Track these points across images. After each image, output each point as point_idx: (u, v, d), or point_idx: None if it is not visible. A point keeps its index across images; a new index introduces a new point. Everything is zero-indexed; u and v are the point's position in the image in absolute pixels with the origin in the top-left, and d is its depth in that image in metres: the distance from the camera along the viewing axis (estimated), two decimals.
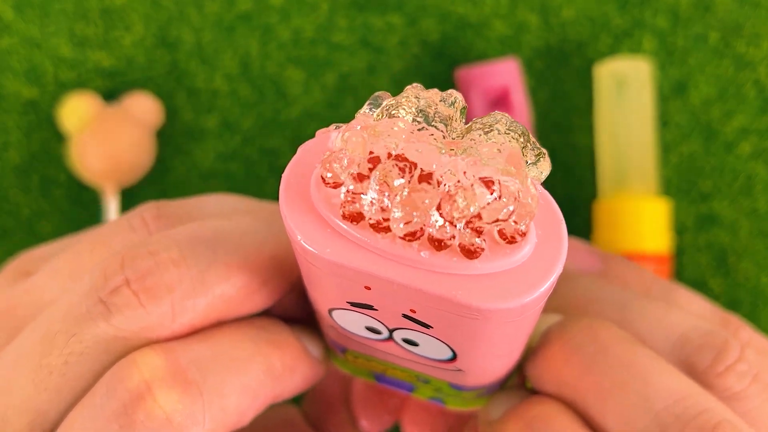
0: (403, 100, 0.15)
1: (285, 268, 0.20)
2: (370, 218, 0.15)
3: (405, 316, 0.16)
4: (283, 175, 0.16)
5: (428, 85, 0.37)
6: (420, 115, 0.15)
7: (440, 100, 0.16)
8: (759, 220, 0.35)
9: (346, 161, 0.15)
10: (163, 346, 0.18)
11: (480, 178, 0.14)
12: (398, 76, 0.36)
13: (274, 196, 0.36)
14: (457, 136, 0.15)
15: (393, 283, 0.15)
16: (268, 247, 0.20)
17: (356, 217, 0.15)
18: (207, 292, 0.19)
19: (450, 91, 0.16)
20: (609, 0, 0.36)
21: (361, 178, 0.15)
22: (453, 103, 0.16)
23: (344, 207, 0.15)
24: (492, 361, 0.19)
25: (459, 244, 0.15)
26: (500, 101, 0.34)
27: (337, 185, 0.15)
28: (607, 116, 0.34)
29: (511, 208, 0.14)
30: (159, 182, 0.36)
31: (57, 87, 0.36)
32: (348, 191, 0.15)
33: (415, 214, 0.14)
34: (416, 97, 0.15)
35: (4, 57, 0.36)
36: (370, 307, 0.17)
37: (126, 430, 0.17)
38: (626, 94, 0.34)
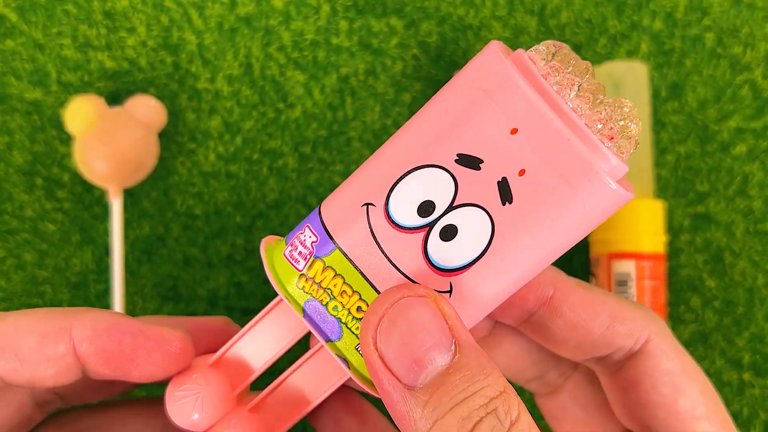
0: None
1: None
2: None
3: (500, 183, 0.19)
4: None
5: (428, 87, 0.38)
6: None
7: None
8: (755, 219, 0.35)
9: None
10: None
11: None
12: (398, 77, 0.36)
13: (275, 196, 0.37)
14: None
15: (551, 122, 0.19)
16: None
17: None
18: None
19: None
20: (606, 3, 0.36)
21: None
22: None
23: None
24: (509, 273, 0.20)
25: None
26: None
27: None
28: None
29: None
30: (162, 183, 0.36)
31: (61, 89, 0.36)
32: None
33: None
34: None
35: (9, 59, 0.36)
36: (477, 163, 0.19)
37: None
38: (623, 96, 0.34)
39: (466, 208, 0.19)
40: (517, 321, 0.25)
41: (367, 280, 0.20)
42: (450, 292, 0.20)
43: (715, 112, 0.36)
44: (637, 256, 0.33)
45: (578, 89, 0.19)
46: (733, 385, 0.35)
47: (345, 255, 0.21)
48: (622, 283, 0.33)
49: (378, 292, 0.21)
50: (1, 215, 0.35)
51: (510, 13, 0.36)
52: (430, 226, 0.20)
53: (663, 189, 0.36)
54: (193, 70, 0.36)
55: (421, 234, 0.20)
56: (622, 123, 0.20)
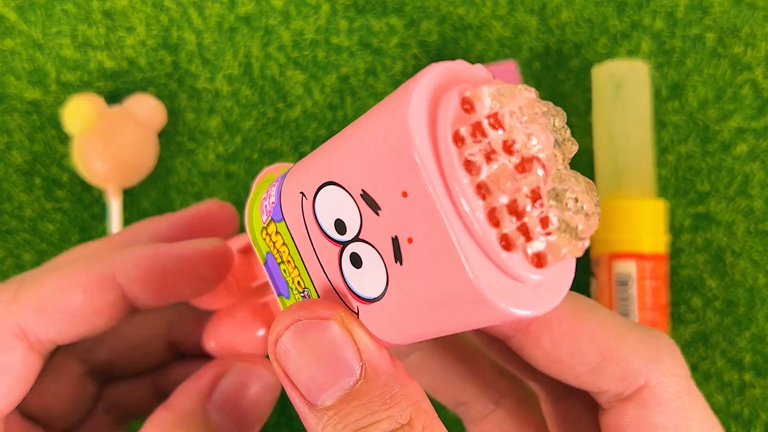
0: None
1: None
2: (477, 168, 0.16)
3: (393, 240, 0.17)
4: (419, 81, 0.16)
5: None
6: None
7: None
8: (755, 219, 0.35)
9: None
10: None
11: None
12: (398, 77, 0.36)
13: None
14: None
15: (437, 211, 0.16)
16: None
17: (461, 141, 0.16)
18: None
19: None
20: (607, 2, 0.36)
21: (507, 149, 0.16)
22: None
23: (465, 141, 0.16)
24: (405, 329, 0.18)
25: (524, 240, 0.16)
26: None
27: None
28: (604, 118, 0.34)
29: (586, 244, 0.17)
30: (161, 183, 0.36)
31: (60, 88, 0.36)
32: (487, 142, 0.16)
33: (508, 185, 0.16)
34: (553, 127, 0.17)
35: (8, 58, 0.36)
36: (376, 209, 0.17)
37: None
38: (624, 96, 0.34)
39: (368, 246, 0.18)
40: (490, 340, 0.23)
41: (303, 262, 0.20)
42: (357, 314, 0.19)
43: (716, 111, 0.36)
44: (638, 256, 0.33)
45: (509, 162, 0.16)
46: (734, 385, 0.35)
47: (288, 229, 0.20)
48: (623, 283, 0.33)
49: (310, 278, 0.20)
50: (0, 215, 0.35)
51: (510, 12, 0.36)
52: (343, 245, 0.18)
53: (663, 189, 0.36)
54: (193, 70, 0.36)
55: (338, 248, 0.18)
56: (563, 213, 0.16)
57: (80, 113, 0.34)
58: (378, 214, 0.17)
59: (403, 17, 0.36)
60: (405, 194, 0.16)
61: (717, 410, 0.35)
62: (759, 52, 0.36)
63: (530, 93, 0.16)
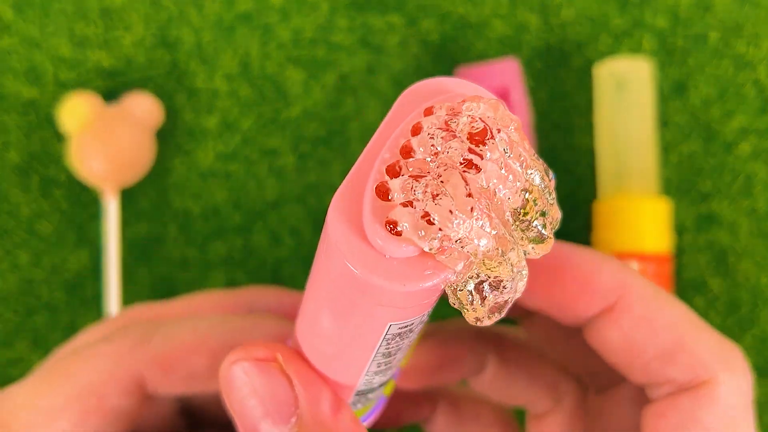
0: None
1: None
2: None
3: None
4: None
5: None
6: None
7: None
8: (759, 220, 0.35)
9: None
10: None
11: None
12: (398, 76, 0.36)
13: (274, 196, 0.36)
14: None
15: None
16: None
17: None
18: None
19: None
20: (609, 0, 0.36)
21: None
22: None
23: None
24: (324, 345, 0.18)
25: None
26: (500, 101, 0.34)
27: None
28: (606, 116, 0.34)
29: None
30: (159, 182, 0.36)
31: (57, 87, 0.35)
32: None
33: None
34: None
35: (4, 57, 0.35)
36: None
37: None
38: (626, 94, 0.34)
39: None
40: (570, 324, 0.22)
41: None
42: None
43: (719, 110, 0.36)
44: (640, 257, 0.32)
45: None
46: None
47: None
48: None
49: None
50: None
51: (511, 10, 0.36)
52: None
53: (666, 188, 0.35)
54: (191, 68, 0.36)
55: None
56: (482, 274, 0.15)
57: (77, 112, 0.34)
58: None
59: (403, 15, 0.36)
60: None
61: None
62: (762, 50, 0.36)
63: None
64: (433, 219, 0.14)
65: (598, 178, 0.35)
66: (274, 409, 0.18)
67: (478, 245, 0.14)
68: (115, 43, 0.36)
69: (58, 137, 0.35)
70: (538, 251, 0.16)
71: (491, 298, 0.15)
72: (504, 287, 0.15)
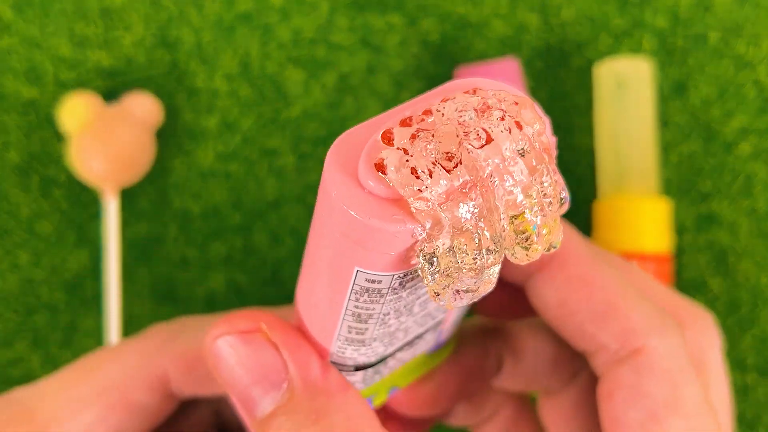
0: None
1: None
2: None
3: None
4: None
5: (428, 85, 0.37)
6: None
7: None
8: (759, 220, 0.35)
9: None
10: None
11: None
12: (398, 76, 0.36)
13: (274, 196, 0.36)
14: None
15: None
16: None
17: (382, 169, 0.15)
18: None
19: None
20: (609, 0, 0.36)
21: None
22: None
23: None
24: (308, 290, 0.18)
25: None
26: None
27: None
28: (607, 116, 0.34)
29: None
30: (159, 182, 0.35)
31: (57, 87, 0.35)
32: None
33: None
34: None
35: (4, 57, 0.35)
36: None
37: None
38: (626, 94, 0.34)
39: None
40: (516, 282, 0.22)
41: None
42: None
43: (719, 110, 0.36)
44: (640, 257, 0.32)
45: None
46: (737, 386, 0.35)
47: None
48: None
49: None
50: None
51: (511, 10, 0.36)
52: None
53: (666, 188, 0.35)
54: (191, 68, 0.36)
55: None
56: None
57: (77, 112, 0.34)
58: None
59: (403, 15, 0.36)
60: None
61: None
62: (762, 50, 0.36)
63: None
64: (415, 167, 0.15)
65: (598, 178, 0.35)
66: (264, 377, 0.18)
67: (452, 212, 0.15)
68: (115, 43, 0.36)
69: (58, 137, 0.35)
70: (519, 256, 0.16)
71: (452, 279, 0.15)
72: (468, 273, 0.15)
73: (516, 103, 0.15)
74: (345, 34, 0.36)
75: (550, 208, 0.15)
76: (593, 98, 0.35)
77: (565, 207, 0.16)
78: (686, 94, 0.36)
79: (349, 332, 0.18)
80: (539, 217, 0.15)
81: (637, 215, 0.33)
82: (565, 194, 0.16)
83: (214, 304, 0.35)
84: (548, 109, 0.36)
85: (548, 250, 0.16)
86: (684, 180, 0.35)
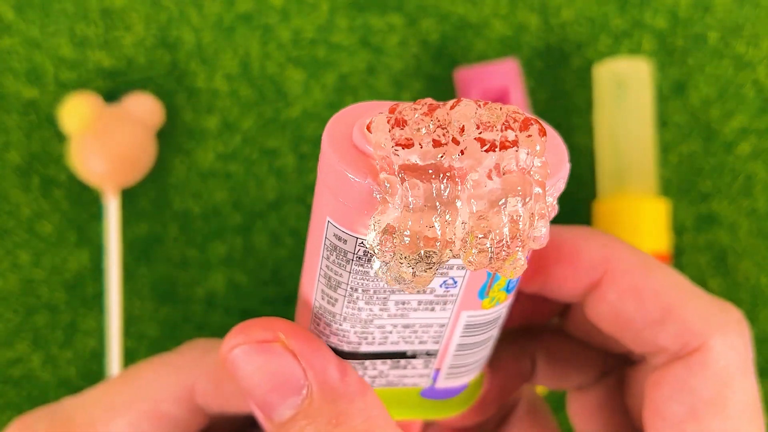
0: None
1: None
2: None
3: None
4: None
5: (428, 86, 0.37)
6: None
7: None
8: (758, 220, 0.35)
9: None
10: None
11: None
12: (398, 76, 0.36)
13: (274, 196, 0.36)
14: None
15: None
16: None
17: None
18: None
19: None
20: (608, 0, 0.36)
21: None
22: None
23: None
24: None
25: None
26: (500, 101, 0.34)
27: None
28: (606, 116, 0.34)
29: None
30: (159, 182, 0.36)
31: (57, 87, 0.36)
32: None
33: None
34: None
35: (5, 57, 0.36)
36: None
37: None
38: (626, 95, 0.34)
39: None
40: (568, 302, 0.23)
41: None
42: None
43: (719, 110, 0.36)
44: None
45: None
46: None
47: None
48: None
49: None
50: None
51: (511, 11, 0.36)
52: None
53: (666, 189, 0.35)
54: (192, 69, 0.36)
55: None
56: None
57: (78, 112, 0.34)
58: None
59: (403, 16, 0.36)
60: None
61: None
62: (762, 51, 0.36)
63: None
64: (399, 137, 0.15)
65: (597, 178, 0.35)
66: (283, 383, 0.18)
67: (411, 188, 0.15)
68: (116, 44, 0.36)
69: (59, 137, 0.35)
70: (467, 264, 0.15)
71: (394, 260, 0.16)
72: (406, 260, 0.15)
73: (529, 136, 0.15)
74: (345, 35, 0.36)
75: (512, 243, 0.15)
76: (593, 98, 0.35)
77: (536, 245, 0.16)
78: (686, 94, 0.36)
79: (323, 298, 0.19)
80: (504, 241, 0.15)
81: (636, 215, 0.33)
82: (543, 237, 0.15)
83: (214, 304, 0.35)
84: (548, 109, 0.36)
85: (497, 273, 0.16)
86: (684, 180, 0.35)
